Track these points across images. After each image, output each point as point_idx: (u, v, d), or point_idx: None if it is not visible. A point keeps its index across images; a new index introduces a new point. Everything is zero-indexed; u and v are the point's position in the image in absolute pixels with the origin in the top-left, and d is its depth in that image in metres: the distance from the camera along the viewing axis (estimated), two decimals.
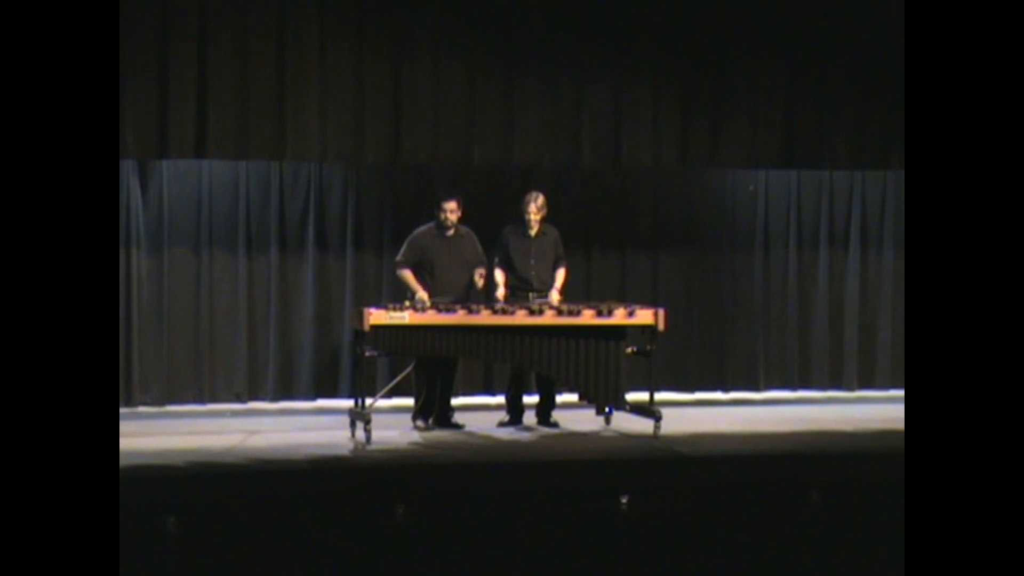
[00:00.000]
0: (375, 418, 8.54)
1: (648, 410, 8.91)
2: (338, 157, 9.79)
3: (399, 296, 9.10)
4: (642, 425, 8.94)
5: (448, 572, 6.33)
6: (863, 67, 10.20)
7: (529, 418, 9.33)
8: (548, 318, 8.65)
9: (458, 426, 9.09)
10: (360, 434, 8.49)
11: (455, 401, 9.34)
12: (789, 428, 9.30)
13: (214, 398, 10.19)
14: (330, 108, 9.51)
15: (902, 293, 9.80)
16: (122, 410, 9.18)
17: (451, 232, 9.05)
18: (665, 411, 8.92)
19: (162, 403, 10.04)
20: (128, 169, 9.83)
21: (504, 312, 8.63)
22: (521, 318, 8.60)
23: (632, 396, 9.01)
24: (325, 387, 10.37)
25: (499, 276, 9.19)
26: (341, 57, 9.54)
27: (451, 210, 9.00)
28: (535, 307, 8.71)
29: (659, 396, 9.57)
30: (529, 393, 9.54)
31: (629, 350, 8.91)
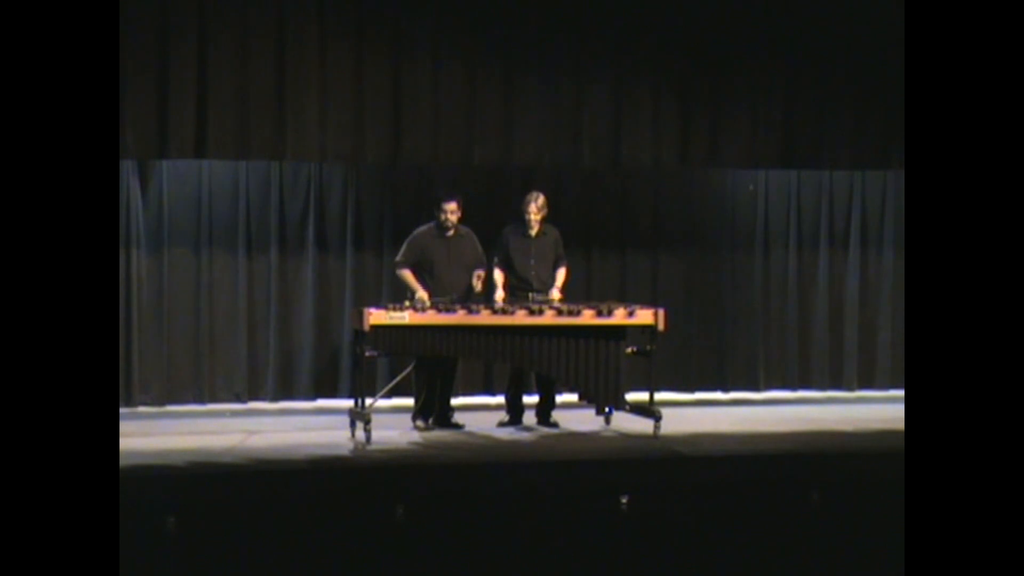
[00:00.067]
0: (375, 418, 8.54)
1: (648, 410, 8.91)
2: (338, 157, 9.79)
3: (399, 296, 9.11)
4: (642, 425, 8.94)
5: (448, 572, 6.33)
6: (863, 67, 10.21)
7: (529, 418, 9.33)
8: (548, 318, 8.65)
9: (458, 426, 9.09)
10: (360, 434, 8.49)
11: (455, 401, 9.34)
12: (789, 428, 9.30)
13: (214, 398, 10.19)
14: (330, 108, 9.51)
15: (902, 293, 9.79)
16: (122, 410, 9.18)
17: (451, 232, 9.05)
18: (665, 411, 8.92)
19: (162, 403, 10.04)
20: (128, 169, 9.83)
21: (504, 312, 8.63)
22: (521, 318, 8.60)
23: (632, 396, 9.02)
24: (325, 387, 10.37)
25: (498, 277, 9.19)
26: (341, 57, 9.54)
27: (451, 211, 9.00)
28: (535, 307, 8.71)
29: (659, 396, 9.56)
30: (529, 393, 9.54)
31: (629, 350, 8.91)
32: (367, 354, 8.67)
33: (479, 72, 9.77)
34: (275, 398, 10.27)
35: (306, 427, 9.26)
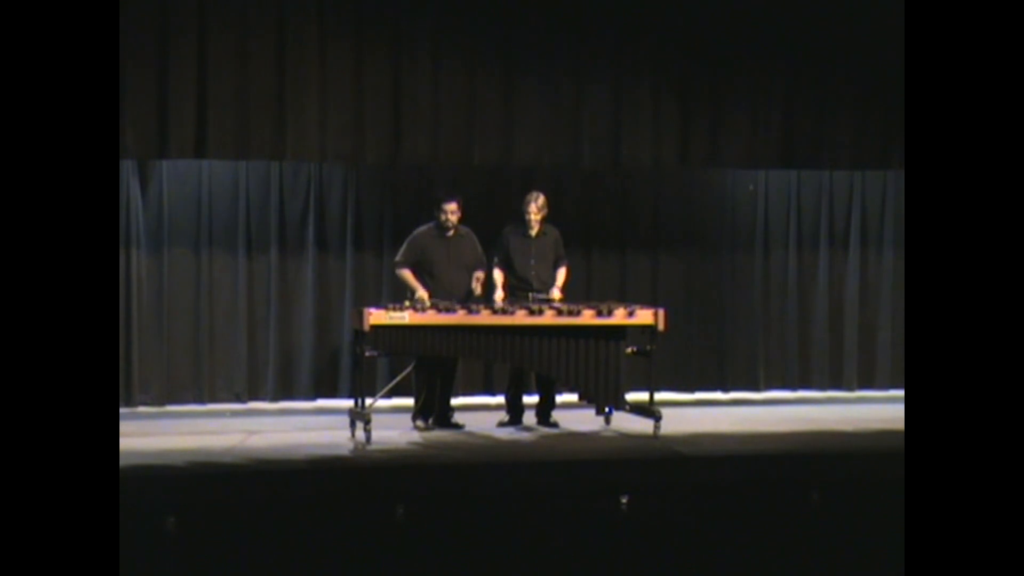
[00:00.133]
0: (375, 418, 8.54)
1: (648, 410, 8.91)
2: (338, 157, 9.79)
3: (399, 296, 9.11)
4: (642, 425, 8.94)
5: (448, 572, 6.33)
6: (863, 67, 10.20)
7: (529, 418, 9.33)
8: (548, 318, 8.65)
9: (458, 426, 9.09)
10: (360, 434, 8.49)
11: (455, 401, 9.34)
12: (789, 428, 9.30)
13: (214, 398, 10.19)
14: (330, 108, 9.51)
15: (902, 293, 9.80)
16: (122, 410, 9.18)
17: (451, 233, 9.05)
18: (665, 411, 8.92)
19: (162, 403, 10.04)
20: (128, 169, 9.83)
21: (504, 312, 8.63)
22: (521, 318, 8.60)
23: (632, 396, 9.02)
24: (325, 387, 10.37)
25: (498, 277, 9.19)
26: (341, 57, 9.54)
27: (452, 211, 9.00)
28: (535, 307, 8.71)
29: (659, 396, 9.56)
30: (529, 393, 9.54)
31: (629, 350, 8.91)
32: (367, 354, 8.67)
33: (479, 72, 9.77)
34: (275, 398, 10.28)
35: (306, 427, 9.26)
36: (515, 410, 9.34)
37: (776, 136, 10.27)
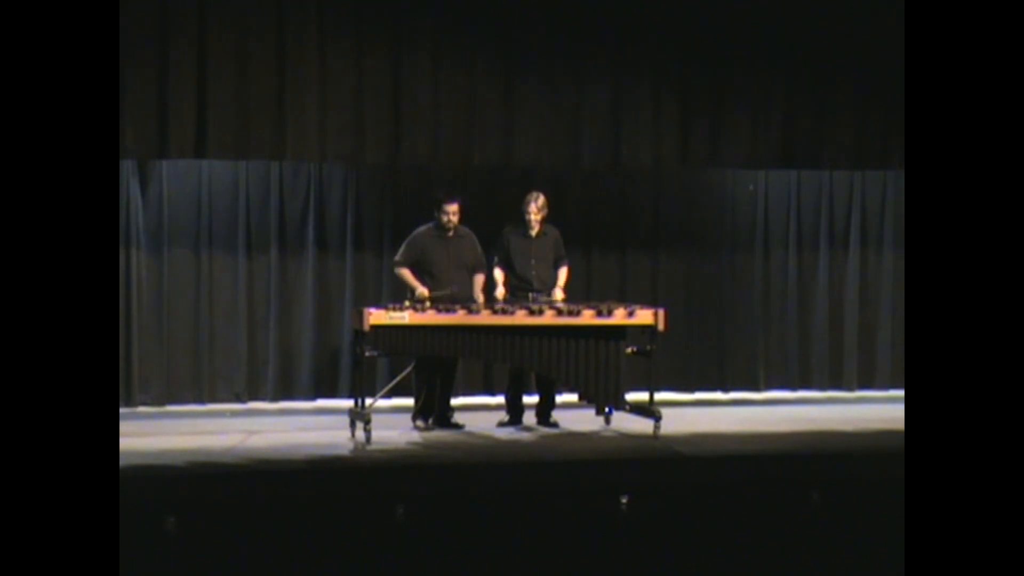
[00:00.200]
0: (375, 418, 8.54)
1: (648, 410, 8.91)
2: (338, 157, 9.80)
3: (399, 296, 9.10)
4: (642, 425, 8.94)
5: (448, 572, 6.33)
6: (863, 67, 10.20)
7: (529, 418, 9.32)
8: (548, 318, 8.65)
9: (458, 426, 9.09)
10: (360, 434, 8.48)
11: (455, 401, 9.34)
12: (789, 428, 9.30)
13: (214, 398, 10.19)
14: (330, 108, 9.51)
15: (902, 293, 9.79)
16: (122, 410, 9.17)
17: (451, 233, 9.04)
18: (665, 411, 8.92)
19: (162, 403, 10.04)
20: (128, 169, 9.83)
21: (504, 312, 8.63)
22: (521, 318, 8.60)
23: (632, 396, 9.01)
24: (325, 387, 10.37)
25: (499, 276, 9.20)
26: (341, 57, 9.54)
27: (453, 212, 8.99)
28: (535, 307, 8.71)
29: (659, 396, 9.56)
30: (529, 393, 9.54)
31: (629, 350, 8.91)
32: (367, 354, 8.67)
33: (479, 72, 9.77)
34: (275, 398, 10.28)
35: (306, 427, 9.25)
36: (515, 410, 9.34)
37: (776, 136, 10.27)
